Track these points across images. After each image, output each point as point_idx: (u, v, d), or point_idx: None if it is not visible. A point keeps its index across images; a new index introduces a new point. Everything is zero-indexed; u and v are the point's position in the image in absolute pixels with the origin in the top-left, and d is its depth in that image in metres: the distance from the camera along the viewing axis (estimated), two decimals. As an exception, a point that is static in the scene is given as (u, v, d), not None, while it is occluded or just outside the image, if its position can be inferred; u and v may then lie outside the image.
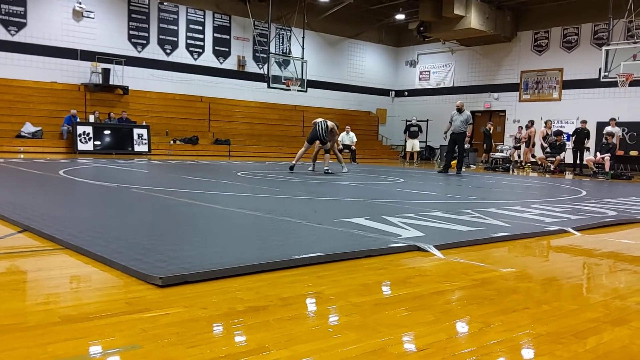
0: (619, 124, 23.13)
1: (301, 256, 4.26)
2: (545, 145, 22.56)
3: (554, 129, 23.29)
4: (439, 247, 4.89)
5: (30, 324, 2.78)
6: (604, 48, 22.04)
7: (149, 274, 3.57)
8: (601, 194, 12.18)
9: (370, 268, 4.24)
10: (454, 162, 24.72)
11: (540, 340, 2.81)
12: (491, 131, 26.69)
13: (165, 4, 26.16)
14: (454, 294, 3.66)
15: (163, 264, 3.80)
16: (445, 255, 4.74)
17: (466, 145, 19.32)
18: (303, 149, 15.53)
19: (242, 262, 3.94)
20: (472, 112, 30.40)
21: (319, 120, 15.25)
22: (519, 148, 24.79)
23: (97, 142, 22.10)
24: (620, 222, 7.39)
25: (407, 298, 3.51)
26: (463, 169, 19.60)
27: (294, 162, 15.43)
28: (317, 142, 15.46)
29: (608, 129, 21.59)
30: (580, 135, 22.33)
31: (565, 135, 23.26)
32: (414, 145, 27.43)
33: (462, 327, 3.01)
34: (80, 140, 21.54)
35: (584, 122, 22.64)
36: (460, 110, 17.39)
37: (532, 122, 24.65)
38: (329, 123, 15.17)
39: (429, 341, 2.72)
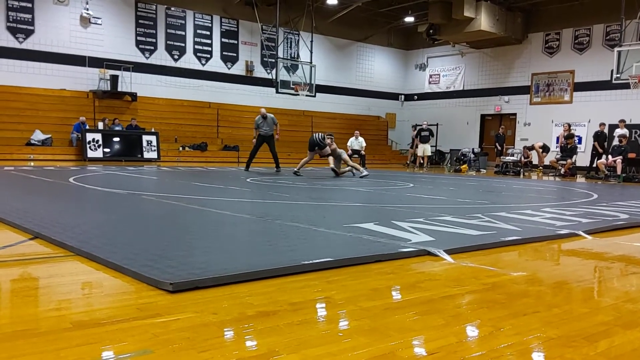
0: (631, 126, 23.01)
1: (311, 261, 4.26)
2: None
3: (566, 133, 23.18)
4: (449, 252, 4.89)
5: (42, 330, 2.80)
6: (616, 49, 21.89)
7: (160, 279, 3.58)
8: (613, 197, 12.14)
9: (380, 273, 4.24)
10: (464, 167, 24.81)
11: (551, 343, 2.81)
12: (502, 134, 26.72)
13: (172, 9, 26.21)
14: (464, 298, 3.65)
15: (173, 270, 3.82)
16: (455, 260, 4.74)
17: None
18: (307, 157, 17.00)
19: (252, 268, 3.95)
20: (482, 116, 30.61)
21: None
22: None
23: (107, 149, 22.14)
24: (632, 225, 7.35)
25: (417, 302, 3.51)
26: (473, 172, 19.52)
27: (297, 168, 16.84)
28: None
29: (618, 131, 21.51)
30: (601, 137, 22.27)
31: (576, 139, 23.18)
32: (425, 149, 27.37)
33: (472, 330, 3.01)
34: (89, 147, 21.59)
35: (603, 124, 22.56)
36: (264, 116, 18.35)
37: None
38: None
39: (439, 345, 2.72)
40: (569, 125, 23.79)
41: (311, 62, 26.82)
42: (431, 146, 28.53)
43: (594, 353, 2.70)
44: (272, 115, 18.65)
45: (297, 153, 27.18)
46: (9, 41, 22.14)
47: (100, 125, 22.84)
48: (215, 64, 27.65)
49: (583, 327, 3.09)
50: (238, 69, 28.39)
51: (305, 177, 15.58)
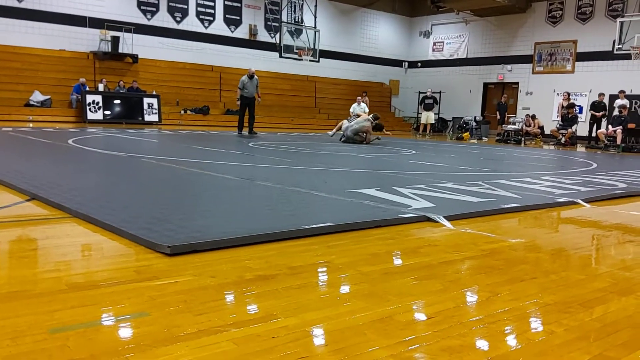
0: (631, 97, 22.90)
1: (311, 226, 4.26)
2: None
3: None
4: (448, 218, 4.89)
5: (37, 292, 2.80)
6: (618, 20, 21.76)
7: (158, 242, 3.57)
8: (612, 166, 12.14)
9: (380, 238, 4.24)
10: (466, 135, 24.74)
11: (547, 309, 2.82)
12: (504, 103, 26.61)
13: (175, -31, 25.83)
14: (462, 264, 3.66)
15: (172, 233, 3.81)
16: (454, 226, 4.74)
17: None
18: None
19: (251, 232, 3.94)
20: (485, 84, 30.46)
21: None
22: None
23: (107, 112, 21.99)
24: (630, 194, 7.37)
25: (416, 267, 3.51)
26: (475, 140, 19.56)
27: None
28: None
29: (619, 101, 21.41)
30: (598, 108, 22.18)
31: (577, 108, 23.08)
32: (428, 117, 27.31)
33: (470, 296, 3.02)
34: (89, 109, 21.44)
35: (602, 94, 22.45)
36: (251, 76, 18.10)
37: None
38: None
39: (437, 309, 2.72)
40: (569, 94, 23.72)
41: (315, 27, 26.56)
42: (434, 114, 28.44)
43: (590, 319, 2.71)
44: (256, 77, 18.58)
45: (299, 118, 27.16)
46: (7, 0, 21.84)
47: (101, 87, 22.65)
48: (218, 27, 27.33)
49: (579, 294, 3.10)
50: (241, 33, 28.08)
51: (309, 142, 15.54)
